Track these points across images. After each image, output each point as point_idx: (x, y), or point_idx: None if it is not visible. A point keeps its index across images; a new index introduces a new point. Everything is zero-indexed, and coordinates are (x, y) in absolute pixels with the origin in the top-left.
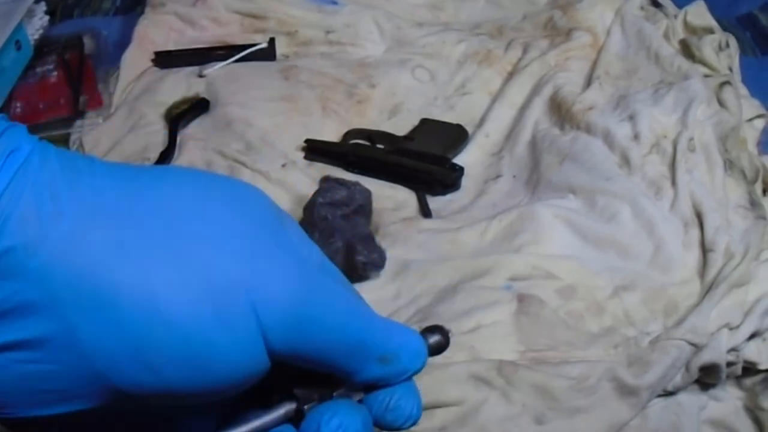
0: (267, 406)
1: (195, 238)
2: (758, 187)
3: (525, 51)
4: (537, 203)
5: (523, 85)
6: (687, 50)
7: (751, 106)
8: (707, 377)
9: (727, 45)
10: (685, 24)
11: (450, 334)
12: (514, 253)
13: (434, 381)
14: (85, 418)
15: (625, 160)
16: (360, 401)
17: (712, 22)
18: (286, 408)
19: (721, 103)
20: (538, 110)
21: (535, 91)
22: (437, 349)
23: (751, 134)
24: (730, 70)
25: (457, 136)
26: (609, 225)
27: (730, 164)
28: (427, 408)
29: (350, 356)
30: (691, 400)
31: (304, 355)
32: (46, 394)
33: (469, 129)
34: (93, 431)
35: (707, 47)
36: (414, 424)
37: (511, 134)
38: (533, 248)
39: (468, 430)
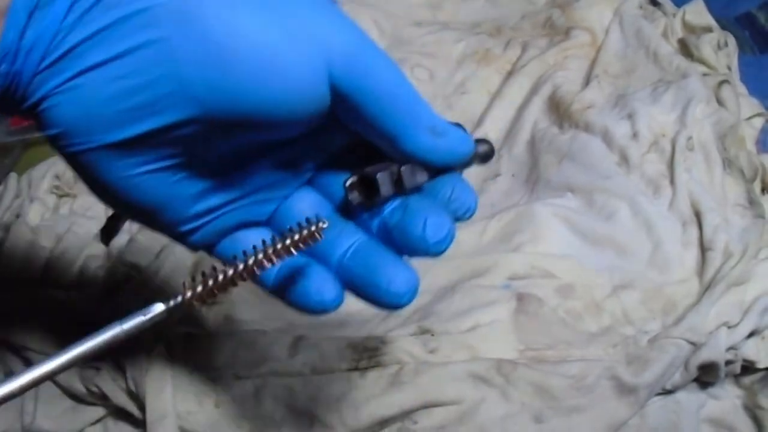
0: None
1: None
2: (757, 186)
3: (524, 50)
4: (536, 202)
5: (521, 84)
6: (685, 49)
7: (749, 105)
8: (706, 376)
9: (726, 44)
10: (684, 23)
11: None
12: (512, 253)
13: (433, 380)
14: (179, 140)
15: (624, 159)
16: (420, 189)
17: (710, 21)
18: (356, 187)
19: (719, 102)
20: (536, 109)
21: (534, 90)
22: (485, 156)
23: (749, 133)
24: (729, 69)
25: None
26: (607, 224)
27: (728, 163)
28: (425, 407)
29: (402, 114)
30: (690, 398)
31: (360, 101)
32: (136, 110)
33: (468, 128)
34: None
35: (706, 46)
36: (472, 215)
37: (510, 133)
38: (532, 247)
39: (467, 428)
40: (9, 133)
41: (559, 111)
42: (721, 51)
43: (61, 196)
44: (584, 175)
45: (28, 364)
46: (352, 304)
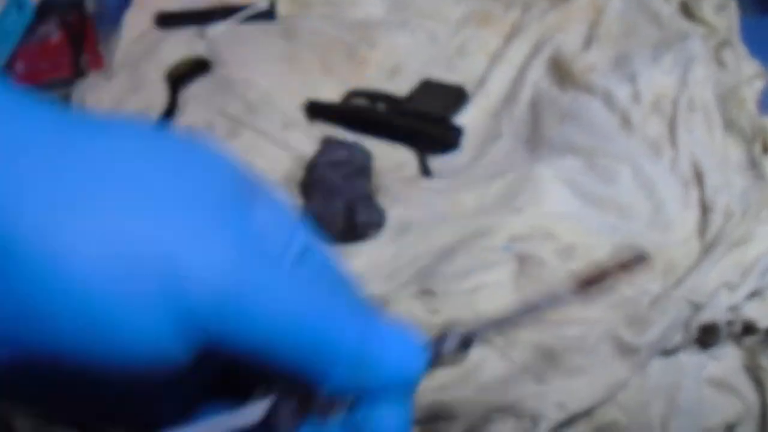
0: (240, 400)
1: (117, 196)
2: (758, 147)
3: (524, 12)
4: (537, 163)
5: (522, 46)
6: (686, 10)
7: (750, 67)
8: (707, 337)
9: (727, 5)
10: None
11: (475, 337)
12: (513, 214)
13: None
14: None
15: (625, 121)
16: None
17: None
18: (258, 406)
19: (720, 64)
20: (538, 70)
21: (535, 51)
22: (455, 355)
23: (750, 94)
24: (730, 30)
25: (457, 96)
26: (609, 185)
27: (729, 124)
28: None
29: (308, 358)
30: (691, 359)
31: (243, 349)
32: None
33: (469, 89)
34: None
35: (707, 7)
36: None
37: (511, 95)
38: (533, 208)
39: (468, 389)
40: None
41: (561, 72)
42: (722, 12)
43: None
44: (585, 137)
45: None
46: (351, 263)
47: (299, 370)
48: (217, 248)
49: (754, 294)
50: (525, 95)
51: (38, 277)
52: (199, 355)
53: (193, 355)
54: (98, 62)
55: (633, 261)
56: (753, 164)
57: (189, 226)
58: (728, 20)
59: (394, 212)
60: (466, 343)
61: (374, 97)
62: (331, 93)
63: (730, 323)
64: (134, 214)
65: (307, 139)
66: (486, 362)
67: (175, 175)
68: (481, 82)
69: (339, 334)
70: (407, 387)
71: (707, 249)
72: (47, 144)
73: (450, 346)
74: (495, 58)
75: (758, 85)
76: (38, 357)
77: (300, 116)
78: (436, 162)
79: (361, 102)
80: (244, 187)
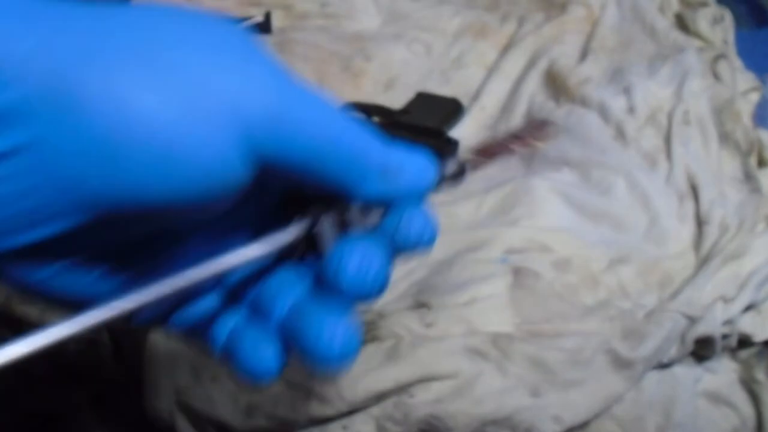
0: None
1: (166, 44)
2: (753, 160)
3: (520, 24)
4: (532, 176)
5: (518, 59)
6: (682, 23)
7: (745, 80)
8: (702, 350)
9: (722, 18)
10: None
11: (467, 164)
12: (509, 226)
13: (430, 354)
14: (83, 246)
15: (621, 133)
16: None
17: None
18: (298, 226)
19: (715, 76)
20: (533, 83)
21: (530, 64)
22: (455, 176)
23: (745, 107)
24: (725, 43)
25: (453, 109)
26: (604, 198)
27: (724, 137)
28: (422, 381)
29: (345, 166)
30: (686, 372)
31: (292, 164)
32: (17, 219)
33: (465, 102)
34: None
35: (702, 20)
36: (428, 245)
37: (507, 107)
38: (529, 221)
39: (463, 402)
40: None
41: (556, 85)
42: (718, 25)
43: None
44: (581, 150)
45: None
46: None
47: (336, 183)
48: (261, 74)
49: (750, 307)
50: (520, 108)
51: (110, 121)
52: (257, 182)
53: (253, 176)
54: None
55: (534, 126)
56: (748, 177)
57: (233, 61)
58: (723, 33)
59: None
60: (462, 169)
61: (370, 109)
62: None
63: (725, 336)
64: (183, 54)
65: None
66: (481, 375)
67: (206, 25)
68: (477, 94)
69: (368, 148)
70: (424, 194)
71: (703, 262)
72: (93, 18)
73: (451, 168)
74: (491, 71)
75: (753, 98)
76: (115, 211)
77: None
78: None
79: (356, 115)
80: (246, 34)
